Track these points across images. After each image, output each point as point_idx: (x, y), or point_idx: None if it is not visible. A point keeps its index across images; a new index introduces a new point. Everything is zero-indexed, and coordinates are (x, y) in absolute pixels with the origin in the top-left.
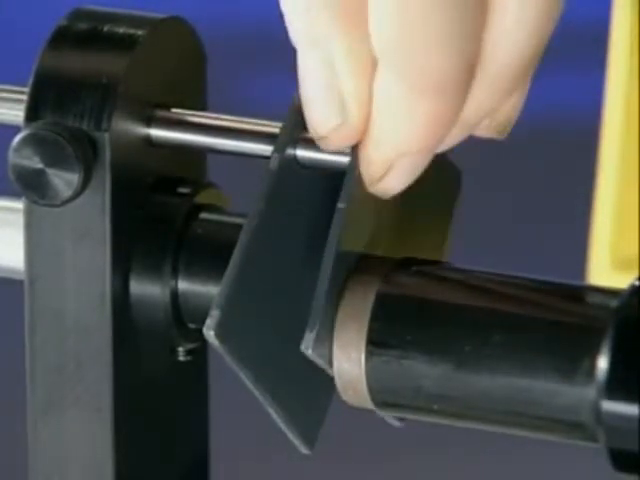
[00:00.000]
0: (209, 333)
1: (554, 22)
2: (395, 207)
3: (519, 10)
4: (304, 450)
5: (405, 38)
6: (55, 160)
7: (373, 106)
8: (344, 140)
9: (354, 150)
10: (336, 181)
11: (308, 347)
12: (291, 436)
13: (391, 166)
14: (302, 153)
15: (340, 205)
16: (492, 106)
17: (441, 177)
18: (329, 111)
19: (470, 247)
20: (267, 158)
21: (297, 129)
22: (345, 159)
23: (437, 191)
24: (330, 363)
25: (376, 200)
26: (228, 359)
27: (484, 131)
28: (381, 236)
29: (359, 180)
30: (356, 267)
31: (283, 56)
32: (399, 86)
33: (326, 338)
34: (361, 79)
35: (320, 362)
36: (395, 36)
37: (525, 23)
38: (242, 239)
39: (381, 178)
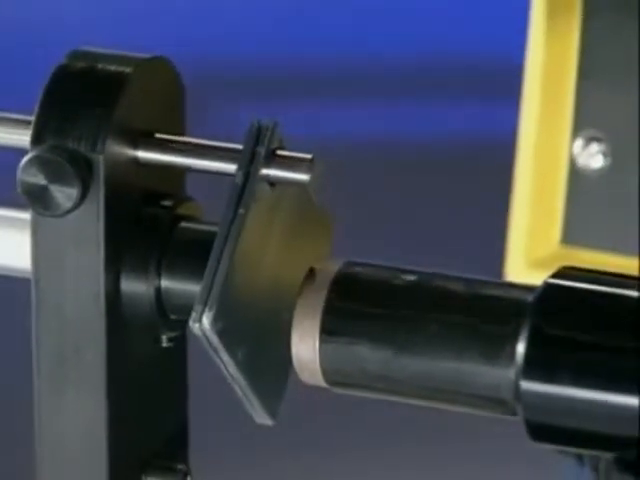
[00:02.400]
0: (194, 325)
1: None
2: (284, 228)
3: None
4: (270, 422)
5: None
6: (57, 177)
7: None
8: None
9: (253, 169)
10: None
11: (205, 322)
12: (254, 408)
13: None
14: (263, 170)
15: (240, 211)
16: None
17: (313, 219)
18: None
19: (400, 249)
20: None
21: (256, 148)
22: (303, 176)
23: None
24: (218, 341)
25: (269, 216)
26: (209, 348)
27: None
28: (272, 244)
29: (257, 193)
30: (312, 268)
31: (250, 89)
32: None
33: (221, 317)
34: None
35: (213, 339)
36: None
37: None
38: (217, 246)
39: None
